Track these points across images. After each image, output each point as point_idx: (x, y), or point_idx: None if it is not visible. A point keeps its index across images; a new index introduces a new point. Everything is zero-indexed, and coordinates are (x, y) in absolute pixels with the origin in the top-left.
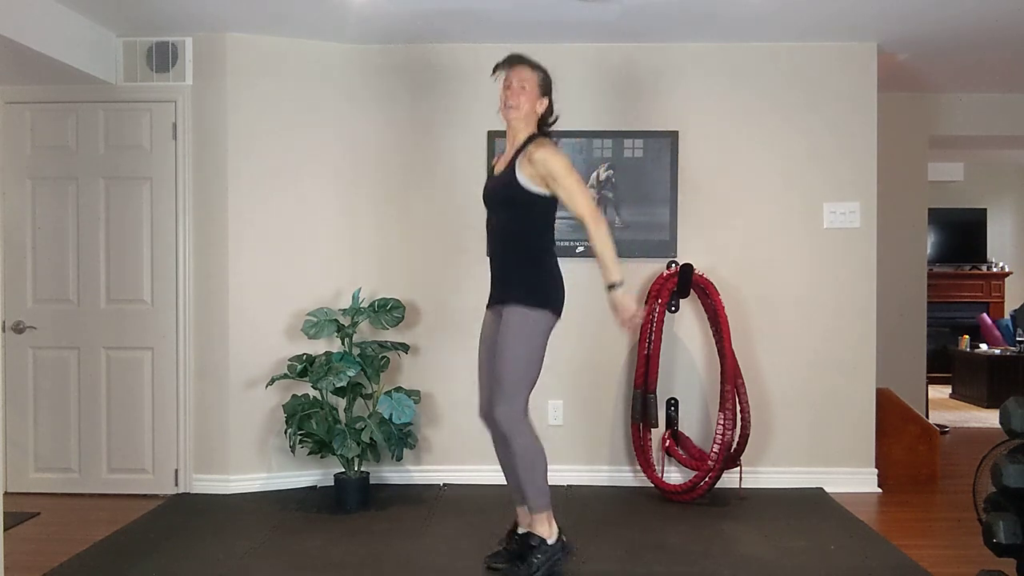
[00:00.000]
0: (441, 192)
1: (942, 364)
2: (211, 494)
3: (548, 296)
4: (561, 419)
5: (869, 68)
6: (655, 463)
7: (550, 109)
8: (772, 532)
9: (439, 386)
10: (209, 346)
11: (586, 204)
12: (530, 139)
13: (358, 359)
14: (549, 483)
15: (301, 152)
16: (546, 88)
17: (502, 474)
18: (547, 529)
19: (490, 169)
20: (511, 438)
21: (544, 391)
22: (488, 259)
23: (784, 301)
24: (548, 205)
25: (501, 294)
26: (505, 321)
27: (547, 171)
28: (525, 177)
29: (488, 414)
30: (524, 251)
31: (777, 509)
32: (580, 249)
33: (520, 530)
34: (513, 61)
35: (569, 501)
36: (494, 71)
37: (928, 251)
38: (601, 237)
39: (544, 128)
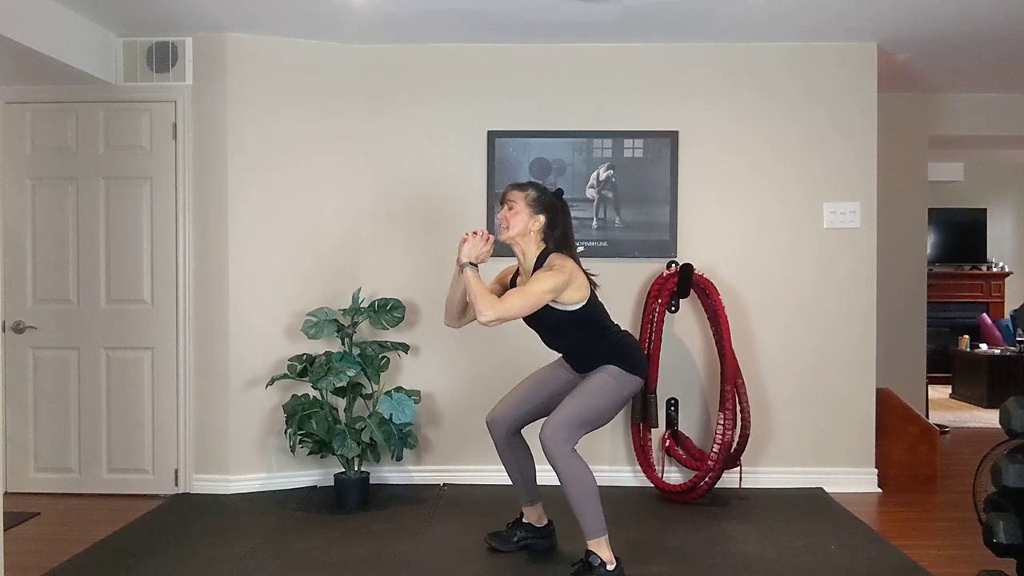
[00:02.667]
0: (441, 192)
1: (942, 364)
2: (211, 494)
3: (640, 365)
4: None
5: (869, 68)
6: (655, 463)
7: (552, 223)
8: (772, 532)
9: (439, 386)
10: (209, 346)
11: (509, 303)
12: (541, 256)
13: (358, 359)
14: (547, 483)
15: (301, 152)
16: (539, 205)
17: (502, 474)
18: (608, 553)
19: (503, 281)
20: (556, 462)
21: None
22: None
23: (784, 301)
24: (591, 306)
25: (591, 363)
26: (601, 370)
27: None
28: (553, 301)
29: (496, 424)
30: (603, 345)
31: (777, 509)
32: (580, 249)
33: (524, 520)
34: (506, 188)
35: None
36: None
37: (928, 251)
38: (472, 291)
39: (552, 243)
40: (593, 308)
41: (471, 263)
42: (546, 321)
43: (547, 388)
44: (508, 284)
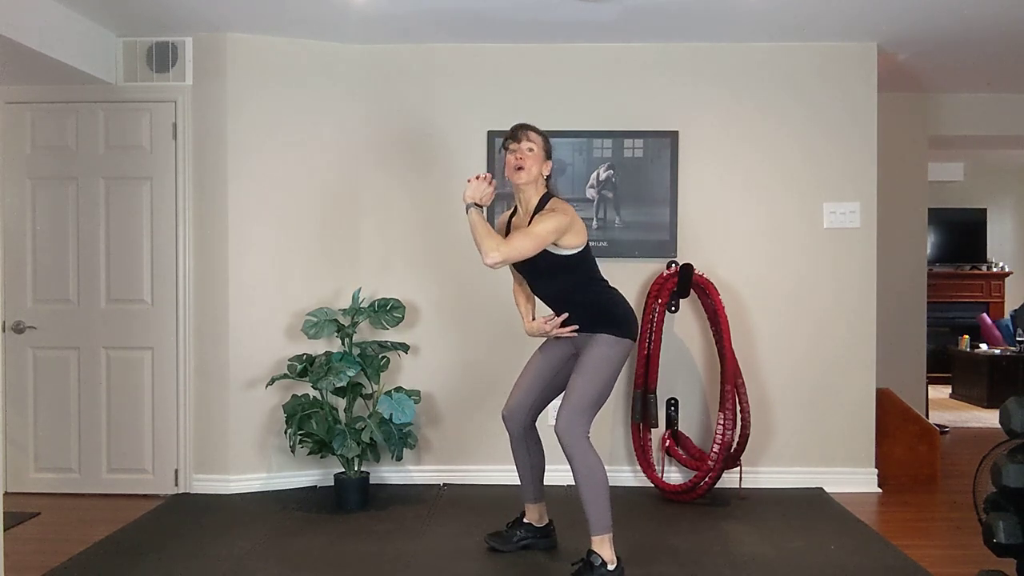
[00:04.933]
0: (441, 192)
1: (942, 364)
2: (211, 494)
3: (631, 327)
4: None
5: (869, 68)
6: (655, 463)
7: (551, 172)
8: (772, 532)
9: (439, 386)
10: (209, 346)
11: (514, 243)
12: (542, 201)
13: (358, 359)
14: (548, 483)
15: (301, 152)
16: (549, 152)
17: (502, 474)
18: (609, 553)
19: (500, 227)
20: (572, 454)
21: None
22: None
23: (784, 301)
24: (586, 252)
25: (583, 324)
26: (596, 343)
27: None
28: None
29: (514, 415)
30: (592, 295)
31: (777, 509)
32: None
33: (525, 520)
34: (519, 127)
35: (569, 501)
36: (504, 144)
37: (928, 251)
38: (478, 232)
39: (551, 188)
40: (587, 256)
41: (476, 204)
42: (540, 264)
43: (549, 364)
44: (505, 227)
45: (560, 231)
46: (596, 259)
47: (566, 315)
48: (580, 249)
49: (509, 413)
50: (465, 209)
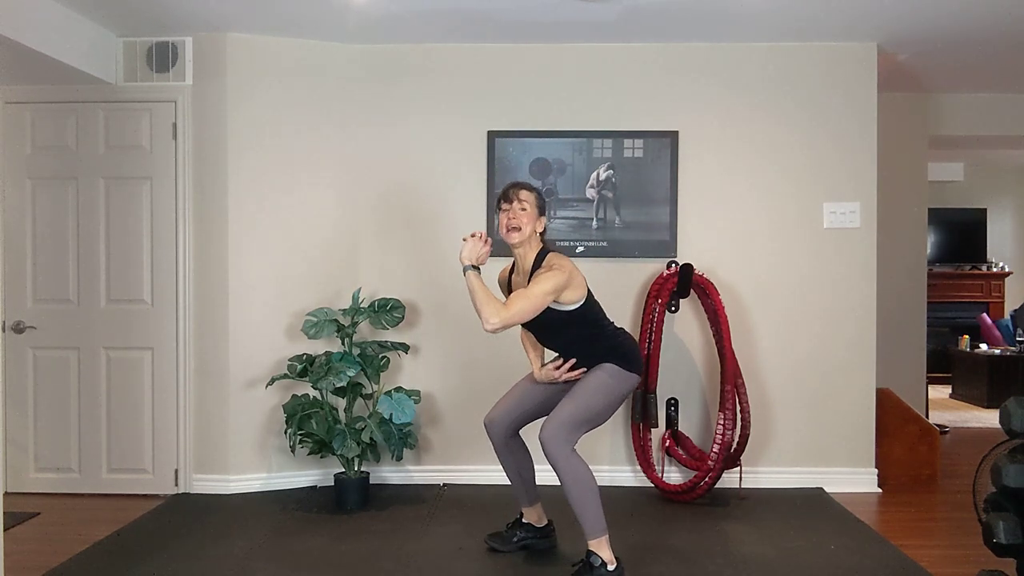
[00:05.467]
0: (441, 192)
1: (942, 364)
2: (211, 494)
3: (636, 362)
4: None
5: (869, 68)
6: (655, 463)
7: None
8: (772, 532)
9: (439, 386)
10: (209, 346)
11: (513, 308)
12: (539, 257)
13: (358, 359)
14: (547, 483)
15: (301, 152)
16: (543, 208)
17: (502, 474)
18: (608, 553)
19: (501, 284)
20: (556, 463)
21: None
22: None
23: (784, 301)
24: (588, 304)
25: (590, 365)
26: (599, 369)
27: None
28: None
29: (494, 425)
30: (599, 342)
31: (777, 509)
32: (580, 249)
33: (524, 520)
34: (511, 187)
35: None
36: (498, 204)
37: (928, 251)
38: (477, 297)
39: (546, 243)
40: (590, 307)
41: (473, 266)
42: (544, 321)
43: (544, 388)
44: (506, 284)
45: (558, 289)
46: (599, 303)
47: (574, 360)
48: (582, 303)
49: (490, 423)
50: (463, 271)
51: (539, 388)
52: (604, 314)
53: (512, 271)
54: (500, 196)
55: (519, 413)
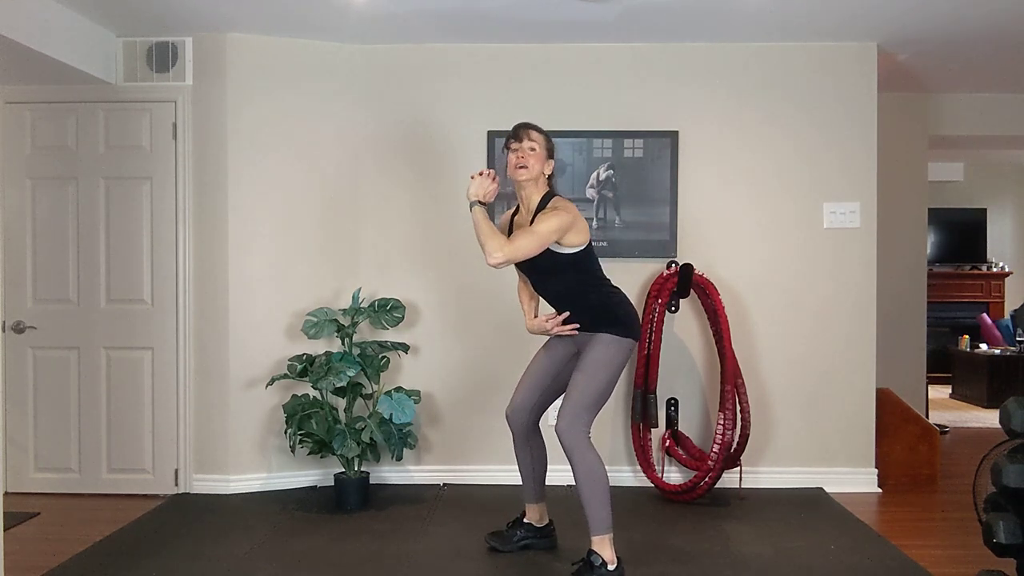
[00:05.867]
0: (441, 192)
1: (942, 364)
2: (211, 494)
3: (633, 327)
4: None
5: (869, 68)
6: (655, 463)
7: (553, 171)
8: (772, 532)
9: (439, 386)
10: (209, 346)
11: (517, 243)
12: (544, 200)
13: (358, 359)
14: (549, 483)
15: (301, 152)
16: (551, 151)
17: (502, 474)
18: (610, 553)
19: (503, 227)
20: (572, 453)
21: None
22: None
23: (784, 301)
24: (588, 251)
25: (584, 323)
26: (597, 342)
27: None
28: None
29: (517, 414)
30: (594, 294)
31: (777, 509)
32: None
33: (525, 520)
34: (521, 127)
35: (569, 501)
36: (506, 143)
37: (928, 251)
38: (481, 232)
39: (553, 187)
40: (589, 254)
41: (479, 202)
42: (542, 262)
43: (552, 364)
44: (509, 225)
45: (563, 230)
46: (599, 260)
47: (567, 314)
48: (583, 248)
49: (512, 413)
50: (469, 207)
51: (549, 365)
52: (601, 269)
53: (515, 214)
54: (509, 135)
55: (537, 396)
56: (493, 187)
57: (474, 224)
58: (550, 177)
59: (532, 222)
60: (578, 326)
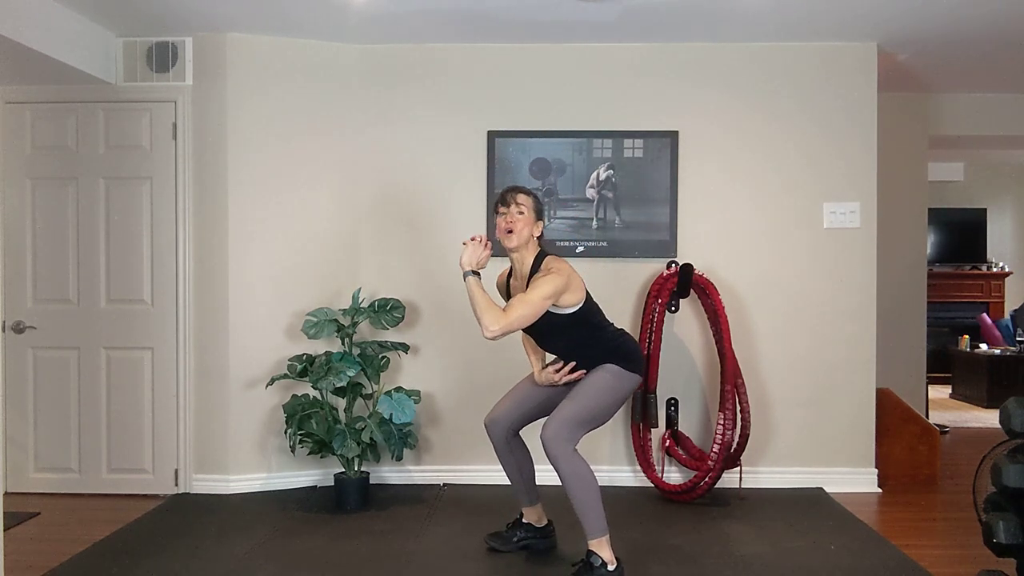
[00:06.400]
0: (441, 192)
1: (942, 364)
2: (211, 494)
3: (638, 363)
4: None
5: (869, 68)
6: (655, 463)
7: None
8: (772, 532)
9: (439, 386)
10: (209, 346)
11: (513, 315)
12: (537, 261)
13: (358, 359)
14: (545, 484)
15: (301, 152)
16: (540, 212)
17: (502, 474)
18: (609, 553)
19: (500, 287)
20: (557, 462)
21: None
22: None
23: (784, 301)
24: (588, 306)
25: (591, 366)
26: (600, 369)
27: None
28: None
29: (496, 424)
30: (599, 344)
31: (777, 509)
32: (580, 249)
33: (524, 520)
34: (508, 191)
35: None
36: (495, 207)
37: (928, 251)
38: (476, 304)
39: (543, 245)
40: (590, 309)
41: (473, 272)
42: (543, 325)
43: (545, 389)
44: (504, 287)
45: (557, 293)
46: (598, 305)
47: (574, 363)
48: (581, 305)
49: (491, 423)
50: (463, 276)
51: (540, 389)
52: (604, 316)
53: (510, 275)
54: (498, 200)
55: (520, 413)
56: (486, 253)
57: (469, 296)
58: (540, 236)
59: (527, 285)
60: (584, 372)
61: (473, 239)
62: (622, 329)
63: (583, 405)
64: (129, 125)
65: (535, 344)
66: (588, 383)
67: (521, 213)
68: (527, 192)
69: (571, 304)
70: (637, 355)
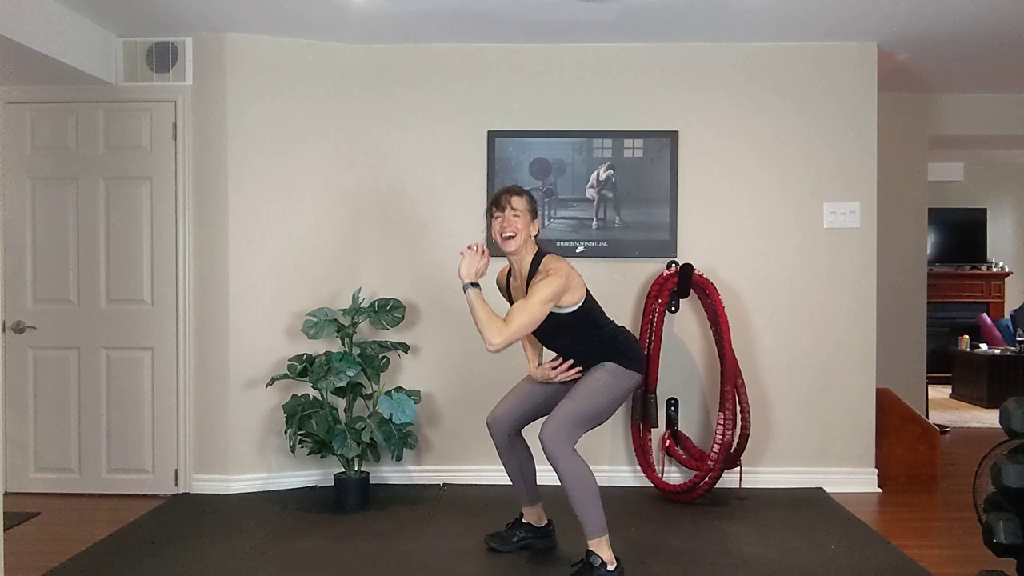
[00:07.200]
0: (442, 192)
1: (942, 364)
2: (211, 494)
3: (637, 361)
4: None
5: (869, 68)
6: (655, 463)
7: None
8: (772, 532)
9: (439, 386)
10: (209, 346)
11: (514, 324)
12: (535, 260)
13: (358, 359)
14: (545, 484)
15: (301, 152)
16: (535, 211)
17: (502, 474)
18: (608, 553)
19: (500, 286)
20: (556, 462)
21: None
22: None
23: (784, 301)
24: (588, 304)
25: (589, 364)
26: (600, 368)
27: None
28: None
29: (498, 424)
30: (599, 340)
31: (777, 509)
32: (580, 249)
33: (524, 520)
34: (501, 194)
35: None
36: (489, 211)
37: (928, 251)
38: (478, 318)
39: (540, 244)
40: (590, 307)
41: (473, 283)
42: (544, 324)
43: (546, 388)
44: (504, 286)
45: (557, 295)
46: (598, 303)
47: (571, 361)
48: (581, 303)
49: (493, 423)
50: (463, 288)
51: (541, 388)
52: (604, 313)
53: (509, 274)
54: (491, 203)
55: (521, 412)
56: (484, 262)
57: (470, 308)
58: (536, 235)
59: (527, 285)
60: (581, 369)
61: (470, 248)
62: (622, 326)
63: (582, 404)
64: (129, 125)
65: (534, 339)
66: (587, 382)
67: (517, 216)
68: (520, 193)
69: (571, 303)
70: (637, 352)
